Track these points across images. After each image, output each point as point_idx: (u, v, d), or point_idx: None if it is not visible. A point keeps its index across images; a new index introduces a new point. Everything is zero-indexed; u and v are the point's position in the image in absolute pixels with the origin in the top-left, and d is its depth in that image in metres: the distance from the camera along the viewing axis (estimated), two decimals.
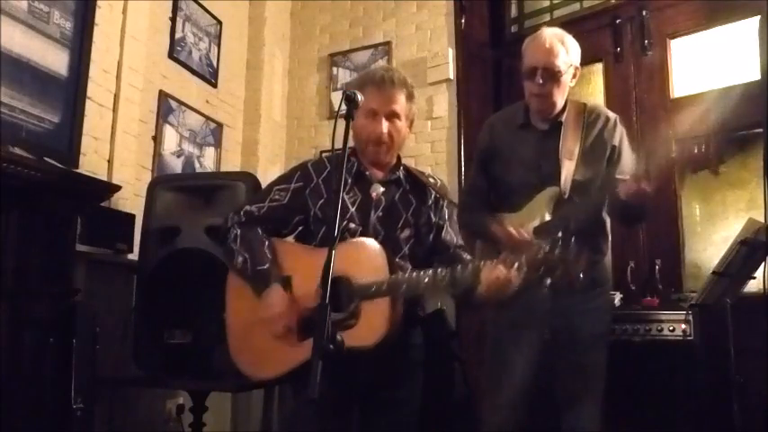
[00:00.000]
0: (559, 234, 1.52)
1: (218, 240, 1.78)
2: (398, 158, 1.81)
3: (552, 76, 1.95)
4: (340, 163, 1.42)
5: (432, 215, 1.78)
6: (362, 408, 1.68)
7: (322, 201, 1.71)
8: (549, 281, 1.51)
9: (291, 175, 1.78)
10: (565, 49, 1.97)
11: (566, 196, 1.94)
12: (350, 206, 1.68)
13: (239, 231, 1.70)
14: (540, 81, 1.94)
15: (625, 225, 2.29)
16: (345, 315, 1.54)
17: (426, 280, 1.54)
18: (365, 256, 1.60)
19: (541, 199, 1.96)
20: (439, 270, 1.55)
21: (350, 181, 1.71)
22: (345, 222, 1.65)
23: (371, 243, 1.62)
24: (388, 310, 1.55)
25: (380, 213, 1.70)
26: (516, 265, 1.48)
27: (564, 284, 1.51)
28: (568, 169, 1.95)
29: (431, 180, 1.82)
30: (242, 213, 1.74)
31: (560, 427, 1.94)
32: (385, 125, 1.69)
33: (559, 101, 2.00)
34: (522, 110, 2.11)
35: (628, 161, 1.99)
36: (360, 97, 1.52)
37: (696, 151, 1.80)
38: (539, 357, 1.94)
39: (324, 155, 1.87)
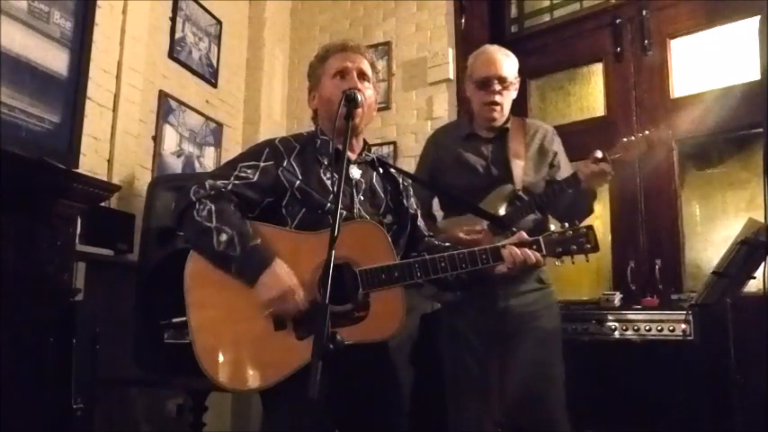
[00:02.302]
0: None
1: (179, 219, 1.49)
2: (365, 141, 1.70)
3: (504, 84, 2.10)
4: (339, 163, 1.37)
5: (404, 202, 1.71)
6: (351, 418, 1.53)
7: (298, 182, 1.54)
8: (562, 260, 1.54)
9: (259, 152, 1.57)
10: (511, 62, 2.13)
11: (519, 192, 2.06)
12: (331, 188, 1.52)
13: (213, 206, 1.44)
14: (497, 88, 2.08)
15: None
16: (353, 306, 1.43)
17: (443, 264, 1.46)
18: (368, 239, 1.47)
19: (495, 196, 2.06)
20: (457, 253, 1.47)
21: (325, 162, 1.58)
22: (329, 206, 1.49)
23: (373, 224, 1.51)
24: (402, 299, 1.44)
25: (362, 197, 1.60)
26: (534, 246, 1.51)
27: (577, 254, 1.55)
28: (519, 168, 2.07)
29: (395, 169, 1.75)
30: (208, 187, 1.48)
31: (527, 426, 1.97)
32: (359, 84, 1.58)
33: (507, 110, 2.15)
34: (466, 122, 2.24)
35: (565, 167, 2.16)
36: (360, 97, 1.51)
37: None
38: (496, 358, 1.99)
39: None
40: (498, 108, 2.10)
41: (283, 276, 1.41)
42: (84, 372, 2.31)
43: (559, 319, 2.13)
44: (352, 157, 1.63)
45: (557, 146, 2.20)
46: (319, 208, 1.52)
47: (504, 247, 1.50)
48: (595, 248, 1.54)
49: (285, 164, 1.56)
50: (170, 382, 2.62)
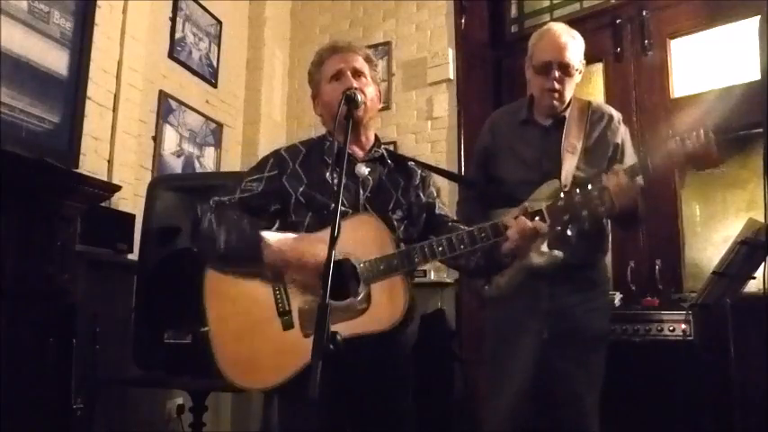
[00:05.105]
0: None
1: (191, 238, 1.62)
2: (377, 137, 1.72)
3: (566, 71, 1.96)
4: (340, 162, 1.37)
5: (420, 194, 1.69)
6: (358, 414, 1.56)
7: (303, 186, 1.59)
8: (574, 231, 1.43)
9: (263, 164, 1.65)
10: (576, 45, 1.98)
11: (566, 189, 1.88)
12: (336, 188, 1.49)
13: (213, 215, 1.54)
14: (557, 75, 1.94)
15: (621, 228, 2.28)
16: (355, 299, 1.44)
17: (441, 248, 1.45)
18: (366, 232, 1.49)
19: (541, 192, 1.93)
20: (455, 234, 1.46)
21: (331, 161, 1.61)
22: (333, 206, 1.48)
23: (369, 217, 1.53)
24: (402, 288, 1.44)
25: (369, 194, 1.61)
26: (538, 217, 1.44)
27: (591, 227, 1.42)
28: (570, 164, 1.94)
29: (412, 161, 1.75)
30: (211, 203, 1.58)
31: (560, 426, 1.94)
32: (355, 82, 1.60)
33: (569, 96, 2.01)
34: (526, 106, 2.10)
35: (630, 161, 1.98)
36: (359, 97, 1.53)
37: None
38: (538, 358, 1.93)
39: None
40: (557, 95, 1.96)
41: (281, 245, 1.44)
42: (84, 372, 2.31)
43: (607, 322, 2.05)
44: (360, 154, 1.65)
45: (620, 136, 2.02)
46: (324, 209, 1.54)
47: (503, 222, 1.46)
48: (613, 208, 1.44)
49: (290, 171, 1.61)
50: (170, 382, 2.62)
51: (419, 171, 1.73)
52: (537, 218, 1.44)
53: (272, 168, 1.62)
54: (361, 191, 1.61)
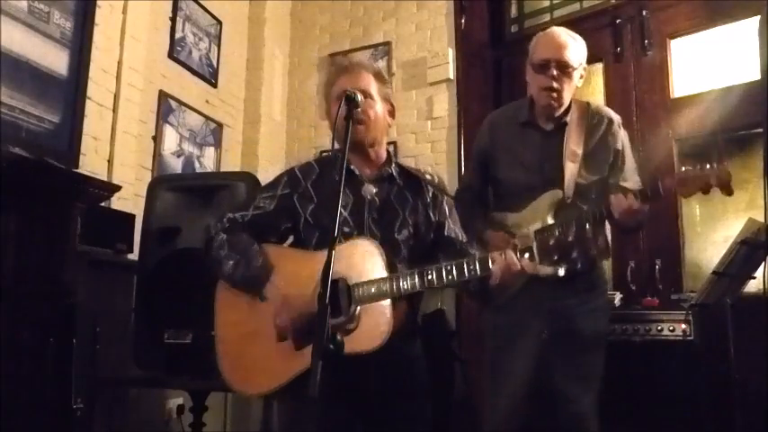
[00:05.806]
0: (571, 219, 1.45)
1: (203, 251, 1.68)
2: (389, 154, 1.74)
3: (565, 70, 1.94)
4: (339, 167, 1.39)
5: (431, 213, 1.69)
6: (368, 424, 1.59)
7: (313, 206, 1.64)
8: (564, 268, 1.42)
9: (278, 182, 1.70)
10: (577, 46, 1.97)
11: (569, 201, 1.91)
12: (342, 209, 1.55)
13: (224, 237, 1.62)
14: (555, 73, 1.92)
15: (622, 233, 2.29)
16: (345, 319, 1.47)
17: (430, 277, 1.48)
18: (362, 257, 1.53)
19: (543, 202, 1.93)
20: (444, 265, 1.48)
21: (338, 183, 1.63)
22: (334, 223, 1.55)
23: (368, 242, 1.56)
24: (390, 312, 1.48)
25: (375, 215, 1.62)
26: (527, 255, 1.44)
27: (583, 267, 1.39)
28: (572, 172, 1.92)
29: (427, 176, 1.74)
30: (225, 221, 1.65)
31: (559, 426, 1.94)
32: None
33: (567, 98, 1.99)
34: (527, 107, 2.08)
35: (630, 167, 2.00)
36: (359, 97, 1.53)
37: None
38: (537, 359, 1.93)
39: (312, 158, 1.78)
40: (555, 95, 1.93)
41: (275, 295, 1.54)
42: (84, 372, 2.31)
43: (606, 323, 2.06)
44: (368, 172, 1.67)
45: (620, 142, 2.00)
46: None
47: (491, 257, 1.47)
48: (604, 254, 1.45)
49: (301, 190, 1.66)
50: (170, 382, 2.62)
51: (431, 189, 1.72)
52: (527, 255, 1.44)
53: (284, 187, 1.67)
54: (366, 212, 1.62)
